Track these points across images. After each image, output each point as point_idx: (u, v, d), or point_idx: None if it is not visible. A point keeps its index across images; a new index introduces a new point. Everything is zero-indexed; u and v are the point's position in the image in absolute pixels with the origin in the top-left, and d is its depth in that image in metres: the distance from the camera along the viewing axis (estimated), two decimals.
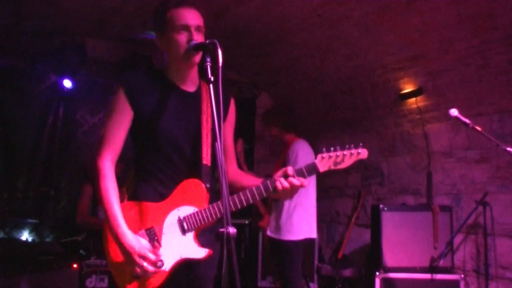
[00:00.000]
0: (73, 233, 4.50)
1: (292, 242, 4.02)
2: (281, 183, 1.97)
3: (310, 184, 4.31)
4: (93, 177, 2.01)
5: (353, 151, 2.05)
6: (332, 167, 2.03)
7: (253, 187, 1.99)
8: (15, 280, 3.59)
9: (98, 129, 5.52)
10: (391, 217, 4.39)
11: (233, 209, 1.98)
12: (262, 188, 1.99)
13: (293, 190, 2.00)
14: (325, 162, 2.02)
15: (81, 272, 3.92)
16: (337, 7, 4.23)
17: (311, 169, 2.01)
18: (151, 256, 1.89)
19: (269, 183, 1.99)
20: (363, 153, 2.07)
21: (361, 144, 2.08)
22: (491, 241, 4.28)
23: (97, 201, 4.56)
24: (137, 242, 1.89)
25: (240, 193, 2.00)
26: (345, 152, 2.03)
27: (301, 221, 4.06)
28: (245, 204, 2.00)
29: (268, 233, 4.15)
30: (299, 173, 2.01)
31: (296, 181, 1.97)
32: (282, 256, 4.04)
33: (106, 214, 1.94)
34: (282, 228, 4.04)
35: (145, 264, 1.88)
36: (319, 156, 2.02)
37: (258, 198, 1.99)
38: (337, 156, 2.02)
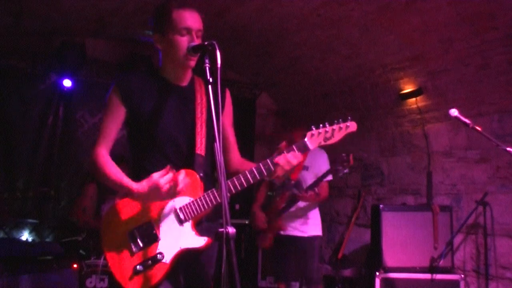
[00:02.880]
0: (73, 233, 4.50)
1: (319, 237, 4.06)
2: (283, 157, 1.97)
3: None
4: (90, 165, 2.07)
5: (341, 125, 2.06)
6: (323, 143, 2.04)
7: (253, 168, 2.00)
8: (15, 280, 3.59)
9: (98, 129, 5.56)
10: (391, 217, 4.39)
11: (233, 192, 1.99)
12: (262, 167, 1.99)
13: (290, 168, 1.99)
14: (315, 138, 2.03)
15: (81, 272, 3.92)
16: (337, 7, 4.23)
17: (301, 146, 2.02)
18: (164, 180, 1.89)
19: (269, 162, 1.99)
20: (352, 126, 2.08)
21: (349, 118, 2.08)
22: (491, 241, 4.27)
23: (102, 200, 4.57)
24: (147, 181, 1.91)
25: (240, 175, 2.00)
26: (334, 127, 2.04)
27: (319, 216, 4.12)
28: (245, 185, 2.00)
29: (296, 233, 4.02)
30: (290, 151, 2.01)
31: (291, 156, 1.98)
32: (309, 254, 4.00)
33: (114, 184, 1.97)
34: (311, 224, 4.02)
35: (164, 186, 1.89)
36: (308, 133, 2.02)
37: (258, 177, 1.99)
38: (326, 131, 2.03)
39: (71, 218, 4.58)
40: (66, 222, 5.12)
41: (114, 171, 2.00)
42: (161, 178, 1.89)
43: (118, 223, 2.04)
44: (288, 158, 1.99)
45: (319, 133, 2.03)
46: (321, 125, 2.04)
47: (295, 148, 2.02)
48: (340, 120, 2.06)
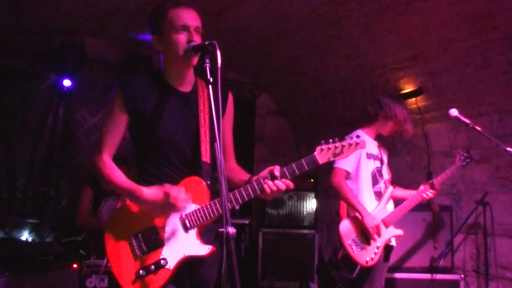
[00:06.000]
0: (73, 233, 4.50)
1: None
2: (269, 186, 1.96)
3: None
4: (95, 172, 2.07)
5: (351, 141, 2.04)
6: (332, 159, 2.03)
7: (241, 188, 2.00)
8: (15, 280, 3.58)
9: (98, 129, 5.56)
10: None
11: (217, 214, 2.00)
12: (249, 189, 1.99)
13: (279, 191, 1.98)
14: (324, 154, 2.01)
15: (81, 272, 3.91)
16: (337, 7, 4.23)
17: (310, 161, 2.00)
18: (174, 191, 1.92)
19: (256, 186, 1.98)
20: (362, 143, 2.06)
21: (359, 135, 2.09)
22: (491, 241, 4.28)
23: (97, 202, 4.57)
24: (158, 190, 1.93)
25: (235, 191, 2.00)
26: (343, 143, 2.03)
27: None
28: (241, 201, 2.01)
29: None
30: (299, 166, 2.00)
31: (281, 184, 1.96)
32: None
33: (123, 191, 2.00)
34: None
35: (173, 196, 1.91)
36: (318, 148, 2.01)
37: (246, 199, 1.99)
38: (336, 147, 2.02)
39: (80, 226, 4.57)
40: (66, 222, 5.12)
41: (123, 179, 2.01)
42: (173, 189, 1.91)
43: (123, 226, 2.03)
44: (279, 186, 1.96)
45: (329, 148, 2.01)
46: (330, 140, 2.02)
47: (304, 164, 2.00)
48: (350, 137, 2.06)
